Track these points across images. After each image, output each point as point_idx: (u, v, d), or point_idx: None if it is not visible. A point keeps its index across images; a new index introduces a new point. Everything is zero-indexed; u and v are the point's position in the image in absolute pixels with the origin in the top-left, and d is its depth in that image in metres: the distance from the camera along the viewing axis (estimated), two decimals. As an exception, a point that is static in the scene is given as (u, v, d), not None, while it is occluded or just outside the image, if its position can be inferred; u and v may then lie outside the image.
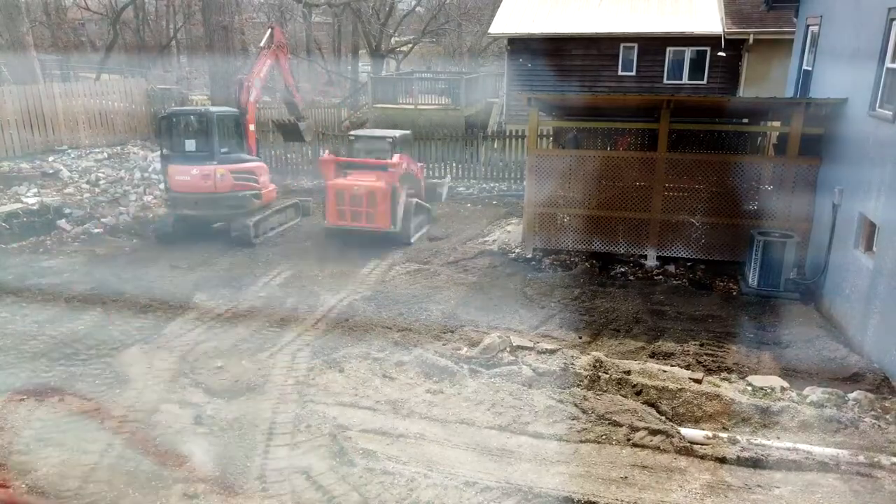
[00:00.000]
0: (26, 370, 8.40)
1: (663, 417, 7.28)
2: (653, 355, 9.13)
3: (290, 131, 17.33)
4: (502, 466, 6.56)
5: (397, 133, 14.99)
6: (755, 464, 6.58)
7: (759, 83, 19.41)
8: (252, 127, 14.74)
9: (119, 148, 21.24)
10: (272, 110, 27.34)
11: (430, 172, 20.27)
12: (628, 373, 8.08)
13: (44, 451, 6.73)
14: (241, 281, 11.78)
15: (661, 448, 6.83)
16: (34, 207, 14.97)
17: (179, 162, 13.58)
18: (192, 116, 14.01)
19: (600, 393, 7.69)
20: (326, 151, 14.40)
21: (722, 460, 6.65)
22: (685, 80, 21.31)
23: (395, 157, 13.62)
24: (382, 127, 22.98)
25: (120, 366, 8.55)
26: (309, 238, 14.63)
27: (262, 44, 15.58)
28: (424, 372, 8.28)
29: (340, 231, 13.89)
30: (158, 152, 15.79)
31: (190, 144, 13.58)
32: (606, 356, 8.63)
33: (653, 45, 21.24)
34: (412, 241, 14.15)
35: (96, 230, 14.63)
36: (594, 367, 8.16)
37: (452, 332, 9.71)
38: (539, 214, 13.08)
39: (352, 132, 15.40)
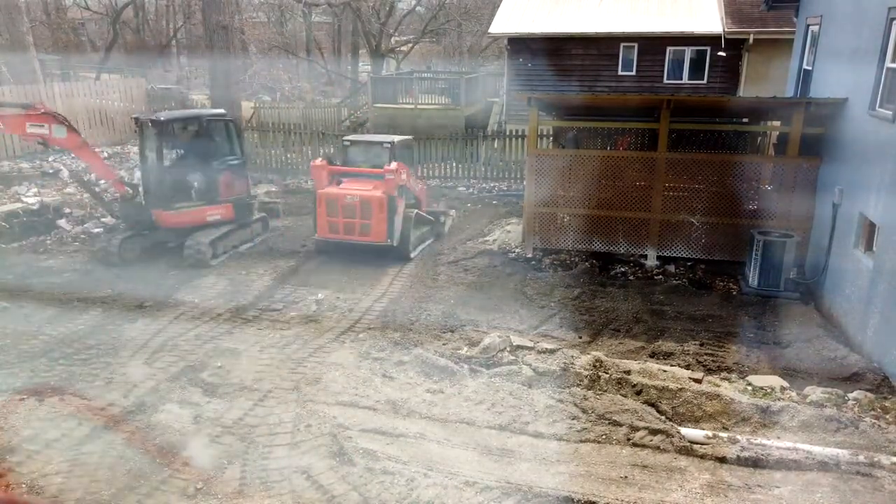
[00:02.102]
0: (26, 370, 8.40)
1: (663, 417, 7.28)
2: (653, 355, 9.13)
3: None
4: (502, 466, 6.56)
5: (396, 138, 13.81)
6: (755, 463, 6.58)
7: (759, 83, 19.41)
8: None
9: (119, 147, 21.28)
10: (274, 109, 27.43)
11: (430, 172, 20.29)
12: (628, 372, 8.08)
13: (44, 451, 6.73)
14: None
15: (661, 448, 6.83)
16: (34, 207, 14.97)
17: None
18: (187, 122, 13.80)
19: (600, 392, 7.69)
20: (318, 157, 13.32)
21: (722, 460, 6.65)
22: (685, 79, 21.31)
23: (393, 165, 12.49)
24: (382, 126, 23.03)
25: (120, 365, 8.55)
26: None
27: None
28: (424, 371, 8.29)
29: (332, 245, 12.84)
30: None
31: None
32: (606, 356, 8.63)
33: (653, 45, 21.24)
34: (412, 255, 13.02)
35: (96, 230, 14.62)
36: (594, 366, 8.16)
37: (452, 331, 9.72)
38: (539, 214, 13.08)
39: (347, 137, 14.20)
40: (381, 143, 13.40)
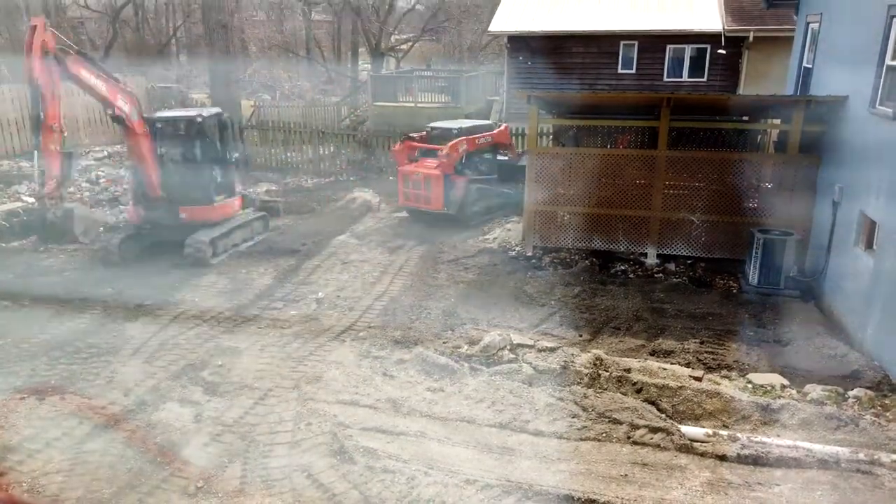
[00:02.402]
0: (27, 369, 8.41)
1: (663, 415, 7.28)
2: (653, 353, 9.13)
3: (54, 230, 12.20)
4: (503, 464, 6.57)
5: (466, 123, 16.20)
6: (755, 461, 6.59)
7: (759, 81, 19.40)
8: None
9: (119, 147, 21.23)
10: (274, 108, 27.40)
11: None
12: (628, 371, 8.08)
13: (45, 450, 6.74)
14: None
15: (662, 446, 6.84)
16: (34, 206, 14.95)
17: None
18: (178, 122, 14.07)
19: (600, 391, 7.69)
20: (399, 142, 15.74)
21: (722, 458, 6.65)
22: (685, 77, 21.29)
23: (446, 147, 14.39)
24: (381, 126, 23.00)
25: (121, 364, 8.56)
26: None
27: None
28: (425, 370, 8.29)
29: (408, 210, 15.62)
30: None
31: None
32: (606, 354, 8.63)
33: (653, 43, 21.22)
34: (472, 223, 15.06)
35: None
36: (594, 364, 8.17)
37: (453, 330, 9.72)
38: (539, 212, 13.07)
39: (431, 124, 16.27)
40: (450, 129, 15.53)
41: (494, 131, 16.31)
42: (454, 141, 14.68)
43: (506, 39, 22.88)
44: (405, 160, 15.42)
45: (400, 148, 15.54)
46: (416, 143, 15.56)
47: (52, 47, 10.93)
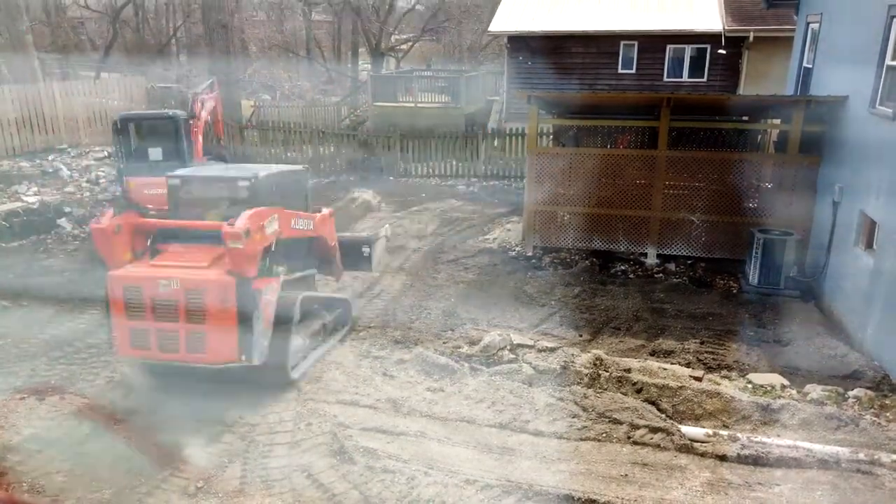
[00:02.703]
0: (27, 369, 8.41)
1: (664, 415, 7.28)
2: (653, 353, 9.13)
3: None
4: (503, 464, 6.56)
5: (269, 169, 8.33)
6: (755, 461, 6.58)
7: (759, 81, 19.38)
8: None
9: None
10: (274, 108, 27.39)
11: (430, 170, 20.27)
12: (628, 371, 8.08)
13: (45, 450, 6.73)
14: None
15: (662, 446, 6.83)
16: (34, 206, 14.97)
17: (143, 173, 13.48)
18: (157, 121, 14.55)
19: (600, 391, 7.69)
20: (106, 212, 7.58)
21: (722, 458, 6.65)
22: (685, 77, 21.28)
23: (243, 217, 6.93)
24: (382, 125, 22.93)
25: (120, 364, 8.55)
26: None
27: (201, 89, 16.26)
28: (425, 370, 8.29)
29: (144, 366, 7.95)
30: None
31: (154, 154, 14.00)
32: (607, 354, 8.63)
33: (653, 43, 21.21)
34: (294, 374, 7.95)
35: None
36: (594, 364, 8.16)
37: (452, 330, 9.72)
38: (539, 212, 13.07)
39: (173, 173, 8.15)
40: (234, 180, 7.78)
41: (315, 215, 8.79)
42: (258, 209, 7.19)
43: (506, 39, 22.87)
44: (125, 253, 7.46)
45: (111, 225, 7.28)
46: (149, 221, 7.75)
47: None
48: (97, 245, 7.53)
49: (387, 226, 12.20)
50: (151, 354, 7.32)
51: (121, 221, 7.39)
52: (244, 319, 7.04)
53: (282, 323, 7.55)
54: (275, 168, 8.74)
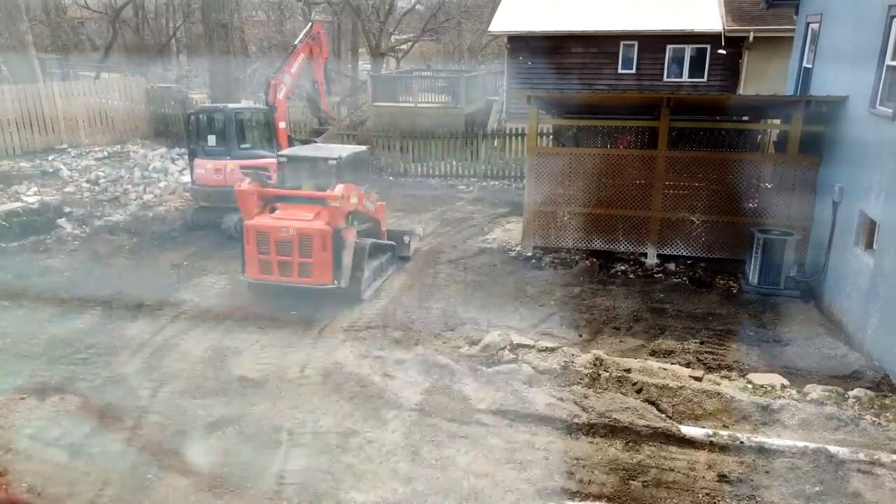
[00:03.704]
0: (27, 369, 8.40)
1: (664, 415, 7.28)
2: (653, 353, 9.13)
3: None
4: (502, 464, 6.56)
5: (345, 151, 11.50)
6: (755, 461, 6.57)
7: (759, 81, 19.39)
8: (283, 125, 15.25)
9: (119, 147, 21.26)
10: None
11: (430, 171, 20.28)
12: (628, 371, 8.08)
13: (44, 451, 6.73)
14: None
15: (662, 446, 6.82)
16: (34, 206, 14.97)
17: (202, 156, 14.35)
18: (214, 114, 14.77)
19: (601, 391, 7.69)
20: (246, 179, 10.80)
21: (722, 458, 6.64)
22: (685, 77, 21.28)
23: (339, 188, 10.08)
24: (382, 125, 22.98)
25: (121, 365, 8.55)
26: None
27: (298, 39, 15.94)
28: (425, 370, 8.29)
29: (266, 287, 10.64)
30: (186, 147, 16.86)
31: (210, 140, 14.38)
32: (607, 354, 8.63)
33: (653, 43, 21.21)
34: (365, 296, 10.78)
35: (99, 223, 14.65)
36: (594, 365, 8.17)
37: (453, 330, 9.72)
38: (539, 213, 13.07)
39: (281, 152, 11.93)
40: (325, 159, 10.92)
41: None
42: (347, 184, 10.38)
43: (506, 39, 22.86)
44: (255, 209, 10.51)
45: (248, 189, 10.46)
46: (270, 191, 10.90)
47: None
48: (238, 203, 10.54)
49: (420, 225, 14.75)
50: (273, 277, 10.36)
51: (254, 188, 10.45)
52: (336, 256, 10.18)
53: (358, 259, 10.60)
54: (349, 148, 12.12)
